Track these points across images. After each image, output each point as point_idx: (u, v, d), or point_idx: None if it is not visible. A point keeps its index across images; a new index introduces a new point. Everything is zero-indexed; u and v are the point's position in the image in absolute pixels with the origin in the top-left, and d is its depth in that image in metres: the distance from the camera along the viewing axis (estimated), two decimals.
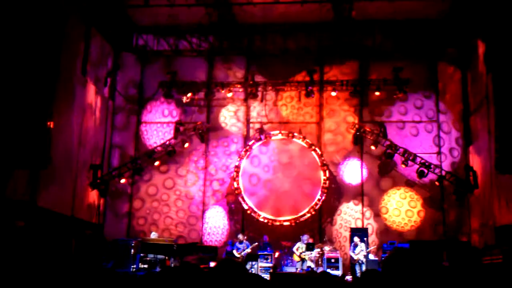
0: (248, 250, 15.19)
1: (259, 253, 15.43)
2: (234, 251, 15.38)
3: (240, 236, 15.68)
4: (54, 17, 10.76)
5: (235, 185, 17.29)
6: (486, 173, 14.75)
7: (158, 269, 14.12)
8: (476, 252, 13.42)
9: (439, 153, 17.10)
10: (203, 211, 17.66)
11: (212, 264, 14.62)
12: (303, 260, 15.20)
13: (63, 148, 14.28)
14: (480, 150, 15.38)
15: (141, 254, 14.66)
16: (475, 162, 15.80)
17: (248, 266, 14.74)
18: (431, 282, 3.87)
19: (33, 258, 10.29)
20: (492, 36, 13.85)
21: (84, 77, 15.59)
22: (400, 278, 3.71)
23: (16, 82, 10.45)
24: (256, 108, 18.20)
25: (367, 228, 16.58)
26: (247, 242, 15.51)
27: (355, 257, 15.15)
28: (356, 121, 17.42)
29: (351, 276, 14.61)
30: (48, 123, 11.23)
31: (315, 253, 15.28)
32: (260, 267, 15.21)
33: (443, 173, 16.37)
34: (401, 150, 16.42)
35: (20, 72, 10.47)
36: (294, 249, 15.54)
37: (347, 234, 16.73)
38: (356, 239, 15.38)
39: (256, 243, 15.67)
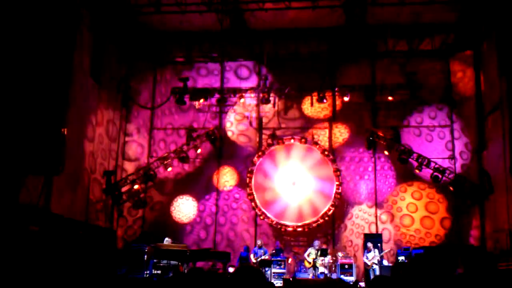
0: (266, 257, 15.15)
1: (273, 259, 15.38)
2: (251, 256, 15.36)
3: (259, 242, 15.67)
4: (67, 25, 10.84)
5: (248, 190, 17.28)
6: (500, 177, 14.58)
7: (171, 275, 14.12)
8: (491, 258, 13.25)
9: (452, 157, 16.96)
10: (216, 216, 17.65)
11: (230, 270, 14.65)
12: (315, 267, 15.13)
13: (77, 154, 14.38)
14: (494, 154, 15.21)
15: (154, 260, 14.68)
16: (490, 166, 15.63)
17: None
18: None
19: (46, 264, 10.33)
20: (505, 39, 13.73)
21: (97, 84, 15.70)
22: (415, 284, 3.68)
23: (30, 90, 10.53)
24: (268, 114, 18.18)
25: (381, 234, 16.47)
26: (265, 248, 15.52)
27: (369, 263, 15.06)
28: (369, 126, 17.32)
29: (364, 283, 14.51)
30: (62, 130, 11.29)
31: (328, 259, 15.20)
32: (274, 273, 15.16)
33: (458, 178, 16.20)
34: (415, 155, 16.31)
35: (34, 80, 10.56)
36: (305, 255, 15.49)
37: (359, 241, 16.64)
38: (369, 244, 15.29)
39: (275, 251, 15.63)
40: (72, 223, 13.44)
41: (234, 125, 18.26)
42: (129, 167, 17.82)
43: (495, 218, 15.06)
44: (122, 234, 17.28)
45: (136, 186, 16.83)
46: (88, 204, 15.19)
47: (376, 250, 15.19)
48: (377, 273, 14.77)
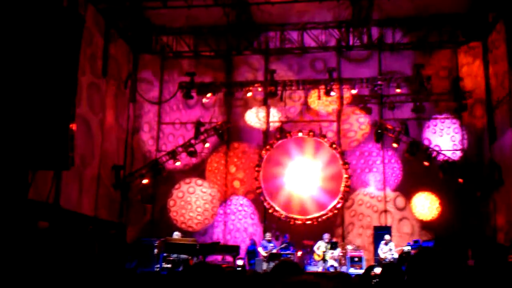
0: (275, 251, 15.14)
1: (282, 252, 15.38)
2: (261, 249, 15.37)
3: (268, 235, 15.66)
4: (74, 20, 10.85)
5: (257, 184, 17.30)
6: (510, 169, 14.47)
7: (181, 269, 14.17)
8: (502, 250, 13.17)
9: (462, 149, 16.87)
10: (225, 210, 17.69)
11: (239, 262, 14.70)
12: (324, 259, 15.12)
13: (86, 149, 14.43)
14: (504, 146, 15.10)
15: (164, 254, 14.73)
16: (500, 158, 15.52)
17: (270, 266, 14.71)
18: (455, 281, 3.80)
19: (56, 259, 10.39)
20: None
21: (104, 79, 15.73)
22: (423, 278, 3.65)
23: (38, 85, 10.57)
24: (276, 107, 18.16)
25: (390, 226, 16.44)
26: (274, 242, 15.51)
27: (382, 256, 14.95)
28: (377, 119, 17.25)
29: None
30: (71, 125, 11.32)
31: (338, 252, 15.18)
32: None
33: (467, 169, 16.11)
34: (423, 147, 16.22)
35: (42, 75, 10.59)
36: (315, 248, 15.48)
37: (368, 233, 16.64)
38: (387, 236, 15.17)
39: (285, 244, 15.62)
40: (81, 218, 13.52)
41: (243, 119, 18.24)
42: (138, 161, 17.84)
43: (505, 210, 14.97)
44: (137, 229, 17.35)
45: (145, 181, 16.87)
46: (97, 198, 15.24)
47: (393, 244, 15.09)
48: None
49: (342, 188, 16.93)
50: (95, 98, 15.20)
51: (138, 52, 17.92)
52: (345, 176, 16.94)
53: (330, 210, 16.86)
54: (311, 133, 17.36)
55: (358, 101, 17.61)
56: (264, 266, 14.82)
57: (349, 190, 16.97)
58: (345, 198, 16.92)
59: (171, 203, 17.94)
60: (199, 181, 17.99)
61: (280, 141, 17.61)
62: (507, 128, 14.50)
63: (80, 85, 12.95)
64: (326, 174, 17.29)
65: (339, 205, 16.90)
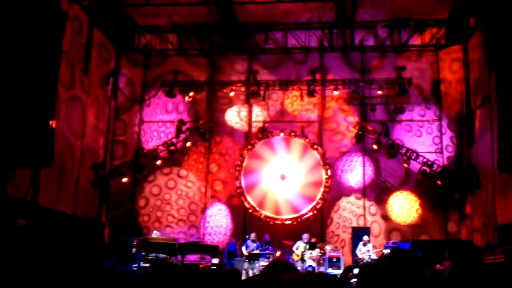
0: (257, 251, 15.14)
1: (261, 252, 15.39)
2: (244, 248, 15.37)
3: (253, 235, 15.65)
4: (56, 16, 10.75)
5: (237, 184, 17.31)
6: (488, 172, 14.67)
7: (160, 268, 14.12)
8: (478, 252, 13.36)
9: (441, 152, 17.06)
10: (205, 210, 17.67)
11: (214, 261, 14.71)
12: (302, 259, 15.17)
13: (65, 147, 14.30)
14: (482, 149, 15.30)
15: (143, 253, 14.65)
16: (478, 161, 15.73)
17: (250, 265, 14.75)
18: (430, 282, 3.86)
19: (34, 257, 10.29)
20: (494, 34, 13.77)
21: (86, 75, 15.60)
22: (398, 278, 3.69)
23: (18, 82, 10.45)
24: (258, 107, 18.19)
25: (369, 227, 16.57)
26: (258, 243, 15.52)
27: (360, 256, 15.07)
28: (358, 120, 17.36)
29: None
30: (50, 122, 11.21)
31: (316, 252, 15.24)
32: (261, 266, 15.17)
33: (445, 172, 16.30)
34: (403, 149, 16.38)
35: (22, 71, 10.47)
36: (294, 248, 15.54)
37: (346, 235, 16.75)
38: (365, 237, 15.30)
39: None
40: (59, 216, 13.42)
41: (225, 118, 18.23)
42: (118, 159, 17.72)
43: (482, 212, 15.17)
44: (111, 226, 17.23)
45: (124, 179, 16.77)
46: (77, 196, 15.12)
47: (371, 245, 15.24)
48: None
49: (322, 188, 17.00)
50: (76, 94, 15.06)
51: (121, 49, 17.81)
52: (325, 176, 17.01)
53: (310, 210, 16.91)
54: (292, 134, 17.42)
55: (340, 102, 17.72)
56: (245, 265, 14.83)
57: (329, 191, 17.04)
58: (325, 198, 16.98)
59: (148, 200, 17.82)
60: (180, 180, 17.90)
61: (261, 141, 17.63)
62: (486, 132, 14.68)
63: (61, 81, 12.83)
64: (307, 180, 17.35)
65: (319, 205, 16.96)
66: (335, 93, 17.16)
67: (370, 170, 17.41)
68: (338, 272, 14.52)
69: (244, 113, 18.23)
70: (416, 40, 16.82)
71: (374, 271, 5.28)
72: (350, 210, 17.22)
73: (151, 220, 17.59)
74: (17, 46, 10.39)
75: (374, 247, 15.61)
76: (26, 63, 10.53)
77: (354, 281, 12.88)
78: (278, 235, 16.68)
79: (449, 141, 17.08)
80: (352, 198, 17.28)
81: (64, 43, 11.84)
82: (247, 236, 15.94)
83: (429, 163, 16.15)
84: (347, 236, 16.83)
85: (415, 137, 17.28)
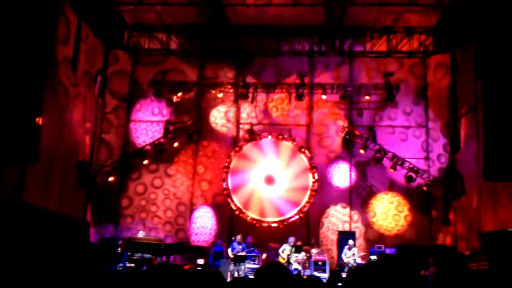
0: (243, 253, 15.12)
1: (247, 254, 15.38)
2: (229, 250, 15.35)
3: (239, 237, 15.61)
4: (46, 12, 10.65)
5: (224, 185, 17.29)
6: (473, 179, 14.80)
7: (144, 268, 14.04)
8: (462, 258, 13.47)
9: (427, 158, 17.21)
10: (191, 211, 17.62)
11: (200, 261, 14.69)
12: (289, 263, 15.19)
13: (51, 145, 14.15)
14: (468, 156, 15.44)
15: (128, 253, 14.57)
16: (463, 168, 15.87)
17: (236, 267, 14.75)
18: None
19: (17, 256, 10.18)
20: (482, 43, 13.91)
21: (74, 73, 15.46)
22: (386, 283, 3.72)
23: (4, 78, 10.33)
24: (246, 110, 18.21)
25: (354, 232, 16.64)
26: (243, 245, 15.49)
27: (345, 260, 15.15)
28: (346, 125, 17.45)
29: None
30: (37, 119, 11.10)
31: (302, 255, 15.27)
32: (247, 268, 15.18)
33: (431, 178, 16.45)
34: (389, 154, 16.50)
35: (8, 67, 10.36)
36: (280, 251, 15.55)
37: (334, 237, 16.81)
38: (350, 241, 15.38)
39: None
40: (45, 214, 13.28)
41: (214, 120, 18.19)
42: (105, 158, 17.59)
43: (466, 219, 15.32)
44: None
45: (111, 178, 16.66)
46: (62, 195, 14.97)
47: (356, 249, 15.33)
48: None
49: (309, 192, 17.04)
50: (63, 91, 14.92)
51: (110, 48, 17.67)
52: (312, 180, 17.06)
53: (297, 213, 16.95)
54: (280, 137, 17.46)
55: (329, 106, 17.81)
56: (230, 267, 14.82)
57: (315, 194, 17.08)
58: (311, 202, 17.03)
59: (133, 200, 17.73)
60: (166, 180, 17.84)
61: (249, 143, 17.64)
62: (472, 139, 14.83)
63: (48, 78, 12.70)
64: (294, 184, 17.38)
65: (305, 209, 17.00)
66: (323, 97, 17.26)
67: (355, 175, 17.49)
68: (324, 275, 14.58)
69: (232, 115, 18.21)
70: (405, 47, 16.90)
71: (362, 275, 5.31)
72: (338, 217, 17.27)
73: (135, 221, 17.48)
74: (3, 43, 10.29)
75: (359, 251, 15.70)
76: (13, 57, 10.41)
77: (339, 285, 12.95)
78: (265, 237, 16.69)
79: (437, 148, 17.17)
80: (338, 206, 17.32)
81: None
82: (233, 238, 15.90)
83: (415, 169, 16.28)
84: (335, 237, 16.87)
85: (402, 143, 17.39)
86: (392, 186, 17.18)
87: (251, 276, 14.17)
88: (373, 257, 15.19)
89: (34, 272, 9.55)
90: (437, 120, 17.36)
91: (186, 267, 14.57)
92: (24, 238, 10.95)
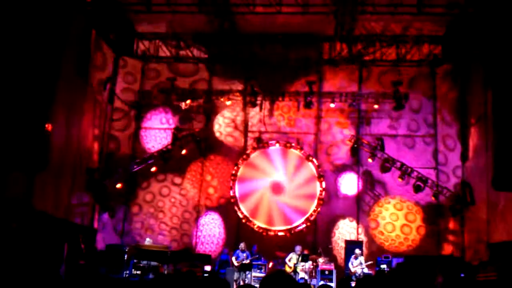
0: (248, 261, 15.09)
1: (253, 262, 15.34)
2: (234, 259, 15.31)
3: (242, 245, 15.57)
4: (58, 20, 10.74)
5: (231, 193, 17.28)
6: (482, 189, 14.73)
7: (151, 276, 14.03)
8: (470, 269, 13.39)
9: (435, 168, 17.11)
10: (198, 219, 17.61)
11: (207, 268, 14.66)
12: (295, 271, 15.13)
13: (60, 151, 14.21)
14: (477, 166, 15.37)
15: (135, 260, 14.57)
16: (472, 178, 15.79)
17: (241, 276, 14.73)
18: None
19: (24, 260, 10.21)
20: (492, 52, 13.87)
21: (83, 80, 15.54)
22: None
23: (15, 84, 10.41)
24: (254, 117, 18.20)
25: (362, 241, 16.56)
26: (247, 252, 15.46)
27: (352, 270, 15.06)
28: (354, 133, 17.41)
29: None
30: (46, 126, 11.18)
31: (308, 264, 15.21)
32: (254, 277, 15.14)
33: (440, 188, 16.36)
34: (398, 164, 16.43)
35: (20, 74, 10.44)
36: (287, 259, 15.49)
37: (341, 248, 16.77)
38: (357, 251, 15.29)
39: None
40: (52, 220, 13.32)
41: (222, 127, 18.23)
42: (113, 165, 17.61)
43: (475, 229, 15.22)
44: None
45: (118, 185, 16.69)
46: (70, 201, 15.02)
47: (362, 258, 15.24)
48: None
49: (316, 200, 17.01)
50: (73, 98, 14.98)
51: (119, 55, 17.77)
52: (320, 189, 17.03)
53: (304, 222, 16.90)
54: (288, 145, 17.45)
55: (337, 115, 17.78)
56: (235, 275, 14.79)
57: (323, 203, 17.04)
58: (319, 211, 16.98)
59: (141, 207, 17.76)
60: (174, 188, 17.86)
61: (257, 151, 17.64)
62: (481, 150, 14.74)
63: (58, 84, 12.77)
64: (301, 192, 17.35)
65: (312, 217, 16.96)
66: (332, 105, 17.21)
67: (363, 183, 17.45)
68: (331, 285, 14.49)
69: (240, 122, 18.23)
70: (414, 56, 16.86)
71: (372, 285, 5.29)
72: (346, 229, 17.25)
73: (143, 227, 17.51)
74: (15, 51, 10.37)
75: (365, 260, 15.61)
76: (25, 67, 10.50)
77: None
78: (271, 246, 16.64)
79: (446, 158, 17.09)
80: (346, 220, 17.30)
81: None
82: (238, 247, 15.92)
83: (423, 178, 16.20)
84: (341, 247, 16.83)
85: (410, 152, 17.31)
86: (400, 196, 17.09)
87: (257, 285, 14.14)
88: (383, 266, 15.12)
89: (40, 277, 9.57)
90: (446, 130, 17.25)
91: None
92: (32, 243, 10.99)
